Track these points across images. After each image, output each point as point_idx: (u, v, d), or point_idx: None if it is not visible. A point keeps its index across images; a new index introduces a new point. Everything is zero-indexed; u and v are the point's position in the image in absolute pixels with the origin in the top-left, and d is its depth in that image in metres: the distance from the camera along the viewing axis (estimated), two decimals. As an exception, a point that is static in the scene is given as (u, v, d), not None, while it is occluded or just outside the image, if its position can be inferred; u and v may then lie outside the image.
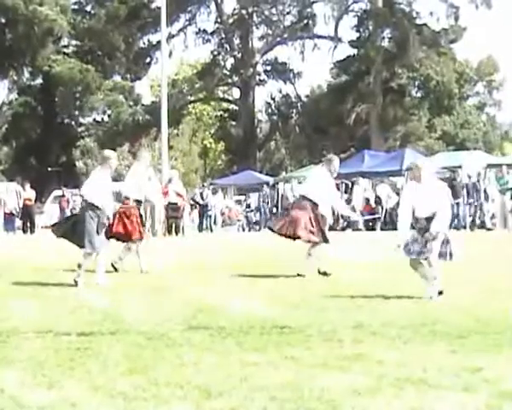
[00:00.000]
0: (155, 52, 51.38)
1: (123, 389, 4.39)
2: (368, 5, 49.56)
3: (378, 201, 27.47)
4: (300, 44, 52.33)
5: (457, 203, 26.17)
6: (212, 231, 27.69)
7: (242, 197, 36.15)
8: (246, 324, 6.46)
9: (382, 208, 26.89)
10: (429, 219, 8.04)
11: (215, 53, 52.60)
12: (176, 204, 22.84)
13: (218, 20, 52.18)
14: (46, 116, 48.66)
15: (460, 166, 28.34)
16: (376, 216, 26.75)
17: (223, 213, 31.60)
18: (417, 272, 8.14)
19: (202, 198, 27.95)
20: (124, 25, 48.83)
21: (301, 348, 5.46)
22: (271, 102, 57.03)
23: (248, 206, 33.18)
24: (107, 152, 10.14)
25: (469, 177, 25.70)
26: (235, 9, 51.96)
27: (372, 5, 48.43)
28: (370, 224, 28.17)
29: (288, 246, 11.82)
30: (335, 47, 50.67)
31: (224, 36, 52.26)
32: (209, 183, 36.68)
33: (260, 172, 46.19)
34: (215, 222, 29.60)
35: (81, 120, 53.14)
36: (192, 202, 28.36)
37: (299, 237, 10.39)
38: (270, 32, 52.58)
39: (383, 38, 49.84)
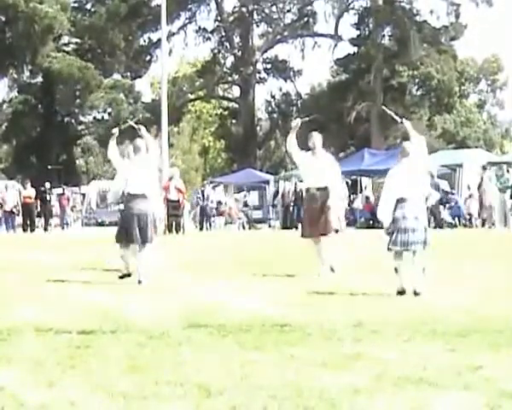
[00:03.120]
0: (155, 50, 51.39)
1: (123, 387, 4.39)
2: (368, 3, 49.53)
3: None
4: (301, 42, 52.37)
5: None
6: (210, 229, 27.74)
7: (241, 195, 36.11)
8: (246, 322, 6.46)
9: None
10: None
11: (215, 51, 52.60)
12: (176, 202, 22.83)
13: (219, 18, 52.16)
14: (46, 114, 48.65)
15: (461, 165, 28.40)
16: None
17: (222, 212, 31.60)
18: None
19: (203, 197, 27.99)
20: (124, 23, 48.79)
21: (301, 347, 5.47)
22: (271, 100, 57.03)
23: (246, 204, 33.09)
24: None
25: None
26: (235, 7, 52.00)
27: (372, 3, 48.39)
28: (371, 222, 28.22)
29: (289, 245, 11.83)
30: (336, 45, 50.69)
31: (224, 34, 52.25)
32: (209, 181, 36.69)
33: (260, 170, 46.21)
34: (213, 221, 29.66)
35: (81, 118, 53.12)
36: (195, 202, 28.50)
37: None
38: (270, 30, 52.57)
39: (383, 35, 49.80)
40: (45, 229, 28.47)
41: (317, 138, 10.50)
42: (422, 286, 7.98)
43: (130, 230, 9.40)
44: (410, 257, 8.20)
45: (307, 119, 11.18)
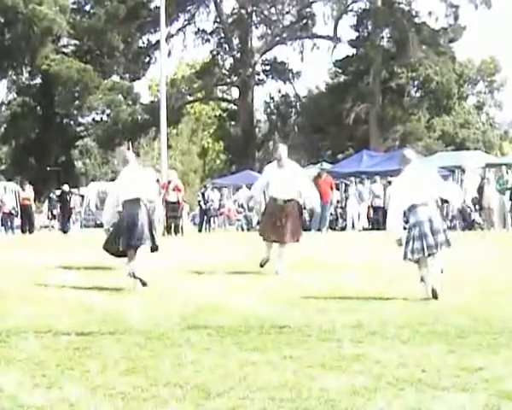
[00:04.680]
0: (154, 52, 51.36)
1: (122, 389, 4.39)
2: (367, 4, 49.53)
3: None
4: (299, 44, 52.34)
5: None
6: (209, 231, 27.76)
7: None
8: (245, 323, 6.46)
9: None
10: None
11: (214, 53, 52.59)
12: (175, 203, 22.81)
13: (218, 19, 52.14)
14: (45, 116, 48.65)
15: (459, 166, 28.43)
16: None
17: (221, 213, 31.61)
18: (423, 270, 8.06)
19: (204, 199, 27.99)
20: (123, 24, 48.76)
21: (300, 348, 5.47)
22: (270, 101, 57.03)
23: (241, 206, 33.03)
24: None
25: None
26: (234, 9, 51.95)
27: (371, 4, 48.41)
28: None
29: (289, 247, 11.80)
30: (334, 47, 50.70)
31: (223, 36, 52.23)
32: (209, 182, 36.68)
33: (259, 171, 46.16)
34: (214, 222, 29.66)
35: (80, 119, 53.12)
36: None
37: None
38: (269, 31, 52.53)
39: (382, 37, 49.82)
40: (65, 231, 27.77)
41: (282, 150, 10.83)
42: (440, 287, 7.84)
43: (122, 236, 9.35)
44: (428, 259, 8.01)
45: None
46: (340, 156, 47.92)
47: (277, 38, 52.61)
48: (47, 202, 33.89)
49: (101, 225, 32.23)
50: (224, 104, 60.18)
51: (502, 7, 76.26)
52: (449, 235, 8.15)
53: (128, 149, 10.79)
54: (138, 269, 9.14)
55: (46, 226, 32.86)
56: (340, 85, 51.78)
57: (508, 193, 23.27)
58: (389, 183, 27.01)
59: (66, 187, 29.52)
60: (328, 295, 8.24)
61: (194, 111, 62.13)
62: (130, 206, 9.38)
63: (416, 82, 52.08)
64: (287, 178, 10.62)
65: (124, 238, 9.26)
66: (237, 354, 5.29)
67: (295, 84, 54.90)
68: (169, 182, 23.30)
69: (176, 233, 22.71)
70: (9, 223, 28.81)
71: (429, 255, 7.93)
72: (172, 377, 4.62)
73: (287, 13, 52.63)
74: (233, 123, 56.60)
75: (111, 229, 9.69)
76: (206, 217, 27.98)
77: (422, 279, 8.01)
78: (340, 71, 53.08)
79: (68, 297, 8.33)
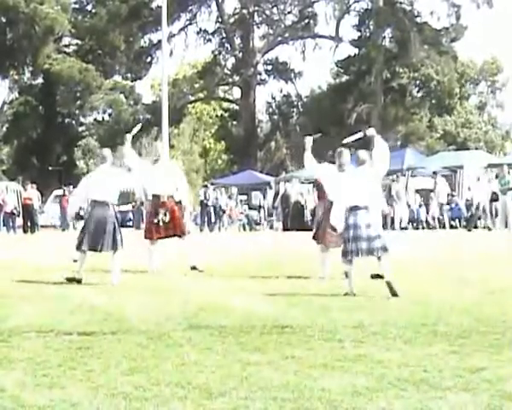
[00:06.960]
0: (156, 51, 51.39)
1: (124, 388, 4.39)
2: (369, 4, 49.53)
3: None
4: (301, 44, 52.41)
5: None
6: (220, 230, 27.81)
7: (244, 197, 36.17)
8: (246, 323, 6.46)
9: None
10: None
11: (216, 52, 52.62)
12: (177, 204, 22.81)
13: (219, 19, 52.17)
14: (47, 115, 48.68)
15: (461, 166, 28.43)
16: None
17: (223, 212, 31.65)
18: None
19: (206, 198, 28.06)
20: (124, 24, 48.78)
21: (302, 348, 5.47)
22: (272, 101, 57.08)
23: (256, 206, 33.04)
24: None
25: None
26: (236, 9, 51.99)
27: (373, 4, 48.40)
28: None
29: (289, 246, 11.81)
30: (336, 46, 50.69)
31: (224, 35, 52.26)
32: (210, 182, 36.71)
33: (261, 171, 46.21)
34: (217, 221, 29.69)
35: (82, 119, 53.17)
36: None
37: None
38: (271, 31, 52.57)
39: (384, 37, 49.81)
40: None
41: (346, 156, 9.66)
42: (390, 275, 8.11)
43: (89, 236, 9.61)
44: (376, 262, 8.41)
45: (317, 136, 11.34)
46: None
47: (279, 38, 52.64)
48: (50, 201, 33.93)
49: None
50: (225, 104, 60.21)
51: (503, 7, 76.11)
52: (386, 241, 8.39)
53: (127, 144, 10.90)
54: (116, 267, 9.64)
55: (47, 226, 32.87)
56: (342, 85, 51.79)
57: (509, 193, 23.22)
58: (393, 180, 27.02)
59: None
60: (330, 294, 8.25)
61: (195, 111, 62.17)
62: (99, 209, 9.57)
63: (417, 82, 52.08)
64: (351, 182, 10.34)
65: (88, 240, 9.63)
66: (239, 354, 5.29)
67: (297, 84, 55.06)
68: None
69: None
70: (11, 223, 28.86)
71: (360, 256, 8.27)
72: (174, 377, 4.62)
73: (288, 13, 52.69)
74: (235, 123, 56.64)
75: (75, 223, 10.17)
76: (207, 217, 28.01)
77: (346, 275, 8.41)
78: (342, 71, 53.09)
79: (70, 297, 8.34)
